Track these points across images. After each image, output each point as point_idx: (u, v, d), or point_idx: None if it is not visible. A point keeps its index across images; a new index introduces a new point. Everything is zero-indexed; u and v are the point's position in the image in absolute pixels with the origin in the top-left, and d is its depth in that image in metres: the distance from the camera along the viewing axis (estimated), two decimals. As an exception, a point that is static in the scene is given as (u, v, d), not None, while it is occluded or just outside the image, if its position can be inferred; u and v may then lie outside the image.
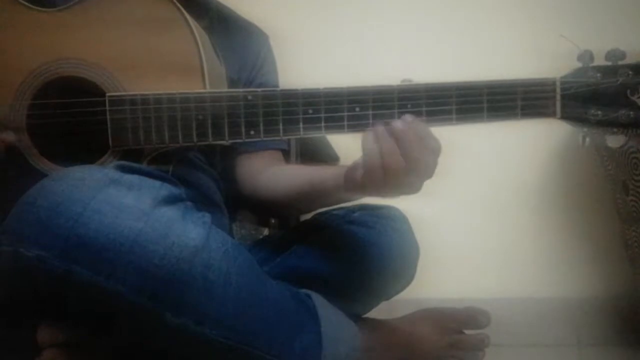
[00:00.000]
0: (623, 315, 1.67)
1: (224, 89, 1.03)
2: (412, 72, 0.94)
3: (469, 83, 0.92)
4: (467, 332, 1.29)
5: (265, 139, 0.94)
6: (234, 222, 1.35)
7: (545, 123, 0.93)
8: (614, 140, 0.93)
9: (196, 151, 1.15)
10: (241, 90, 0.95)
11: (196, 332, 0.85)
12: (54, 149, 0.98)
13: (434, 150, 0.89)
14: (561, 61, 0.93)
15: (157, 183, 0.88)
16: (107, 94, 0.95)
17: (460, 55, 1.69)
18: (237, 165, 1.27)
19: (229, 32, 1.26)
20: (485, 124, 0.92)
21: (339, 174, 0.96)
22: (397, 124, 0.88)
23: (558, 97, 0.92)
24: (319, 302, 1.01)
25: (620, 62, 0.90)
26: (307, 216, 1.24)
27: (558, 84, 0.92)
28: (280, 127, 0.93)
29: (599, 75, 0.91)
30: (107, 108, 0.94)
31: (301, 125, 0.93)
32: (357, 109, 0.92)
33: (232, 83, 1.14)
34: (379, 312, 1.23)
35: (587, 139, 0.93)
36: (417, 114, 0.91)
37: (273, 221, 1.39)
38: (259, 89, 0.95)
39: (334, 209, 1.19)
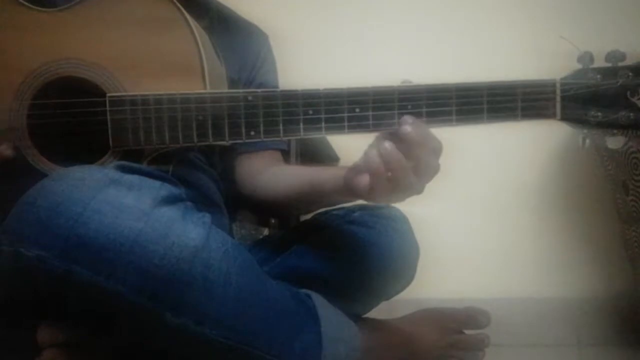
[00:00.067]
0: (623, 315, 1.67)
1: (224, 90, 1.03)
2: (412, 73, 0.94)
3: (469, 84, 0.92)
4: (467, 332, 1.29)
5: (265, 139, 0.94)
6: (234, 222, 1.35)
7: (545, 124, 0.93)
8: (614, 142, 0.93)
9: (196, 151, 1.15)
10: (241, 90, 0.95)
11: (196, 332, 0.85)
12: (54, 149, 0.98)
13: (436, 150, 0.90)
14: (561, 62, 0.93)
15: (157, 183, 0.88)
16: (108, 95, 0.95)
17: (460, 56, 1.69)
18: (237, 166, 1.27)
19: (229, 32, 1.26)
20: (485, 125, 0.92)
21: (339, 175, 0.96)
22: (406, 129, 0.88)
23: (558, 98, 0.92)
24: (319, 302, 1.01)
25: (620, 64, 0.90)
26: (307, 216, 1.24)
27: (558, 85, 0.92)
28: (281, 127, 0.93)
29: (599, 76, 0.91)
30: (108, 108, 0.94)
31: (301, 125, 0.93)
32: (357, 110, 0.92)
33: (232, 83, 1.14)
34: (379, 312, 1.23)
35: (587, 140, 0.93)
36: (417, 114, 0.91)
37: (273, 221, 1.39)
38: (259, 90, 0.95)
39: (334, 209, 1.19)
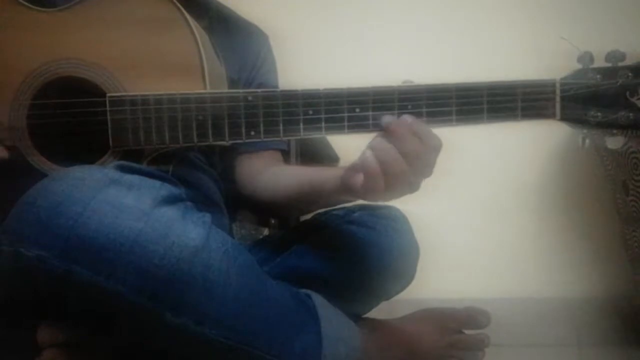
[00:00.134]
0: (623, 315, 1.67)
1: (224, 90, 1.03)
2: (412, 73, 0.94)
3: (469, 84, 0.92)
4: (467, 332, 1.29)
5: (265, 139, 0.94)
6: (234, 222, 1.35)
7: (545, 124, 0.93)
8: (614, 142, 0.92)
9: (196, 151, 1.15)
10: (241, 90, 0.95)
11: (196, 332, 0.85)
12: (54, 149, 0.98)
13: (435, 147, 0.90)
14: (561, 62, 0.93)
15: (157, 183, 0.88)
16: (108, 95, 0.95)
17: (460, 56, 1.69)
18: (237, 166, 1.27)
19: (229, 32, 1.26)
20: (485, 125, 0.92)
21: (339, 175, 0.96)
22: (390, 125, 0.88)
23: (558, 98, 0.92)
24: (319, 302, 1.01)
25: (620, 64, 0.90)
26: (307, 216, 1.24)
27: (558, 85, 0.92)
28: (281, 127, 0.93)
29: (598, 76, 0.91)
30: (108, 108, 0.94)
31: (301, 125, 0.93)
32: (358, 110, 0.92)
33: (232, 83, 1.14)
34: (379, 312, 1.23)
35: (587, 140, 0.93)
36: (417, 114, 0.91)
37: (273, 221, 1.39)
38: (259, 90, 0.95)
39: (334, 209, 1.19)
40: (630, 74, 0.89)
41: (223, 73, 1.09)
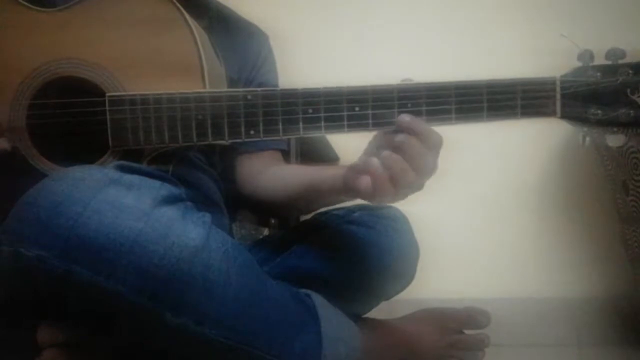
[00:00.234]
0: (623, 315, 1.67)
1: (223, 89, 1.03)
2: (412, 72, 0.94)
3: (468, 82, 0.91)
4: (467, 332, 1.29)
5: (265, 138, 0.94)
6: (234, 222, 1.35)
7: (545, 122, 0.93)
8: (614, 140, 0.92)
9: (196, 151, 1.15)
10: (241, 90, 0.95)
11: (196, 332, 0.84)
12: (54, 149, 0.97)
13: (436, 145, 0.89)
14: (561, 60, 0.92)
15: (157, 183, 0.87)
16: (107, 94, 0.95)
17: (460, 55, 1.69)
18: (237, 166, 1.27)
19: (229, 32, 1.26)
20: (485, 124, 0.92)
21: (339, 175, 0.96)
22: (400, 138, 0.88)
23: (558, 96, 0.92)
24: (319, 302, 1.01)
25: (620, 61, 0.90)
26: (307, 216, 1.24)
27: (558, 83, 0.92)
28: (280, 126, 0.93)
29: (599, 74, 0.90)
30: (107, 108, 0.94)
31: (301, 125, 0.93)
32: (357, 109, 0.92)
33: (232, 83, 1.14)
34: (379, 312, 1.23)
35: (587, 139, 0.92)
36: (417, 113, 0.91)
37: (273, 221, 1.39)
38: (259, 89, 0.95)
39: (334, 209, 1.19)
40: (630, 72, 0.89)
41: (223, 73, 1.09)
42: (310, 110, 0.92)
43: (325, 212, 1.20)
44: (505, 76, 0.92)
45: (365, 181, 0.89)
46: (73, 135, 0.96)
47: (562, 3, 1.66)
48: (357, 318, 1.15)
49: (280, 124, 0.93)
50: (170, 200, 0.86)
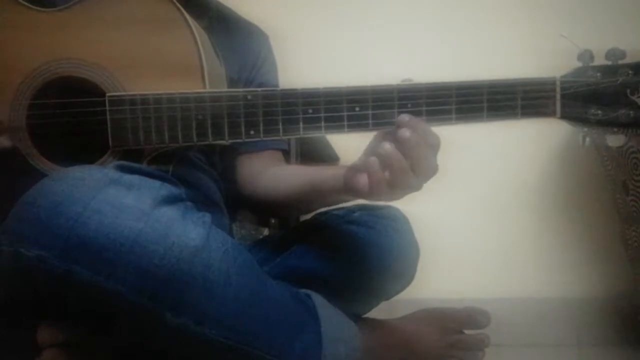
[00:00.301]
0: (623, 315, 1.67)
1: (223, 89, 1.03)
2: (412, 72, 0.94)
3: (469, 82, 0.91)
4: (467, 332, 1.29)
5: (265, 138, 0.94)
6: (234, 222, 1.35)
7: (545, 123, 0.93)
8: (614, 140, 0.92)
9: (196, 151, 1.15)
10: (241, 90, 0.95)
11: (196, 332, 0.84)
12: (54, 149, 0.97)
13: (434, 146, 0.90)
14: (561, 61, 0.93)
15: (157, 183, 0.87)
16: (107, 94, 0.95)
17: (460, 55, 1.69)
18: (237, 166, 1.27)
19: (229, 32, 1.26)
20: (485, 124, 0.92)
21: (339, 174, 0.96)
22: (405, 133, 0.88)
23: (558, 96, 0.92)
24: (319, 302, 1.01)
25: (620, 62, 0.90)
26: (307, 216, 1.24)
27: (558, 83, 0.92)
28: (280, 127, 0.93)
29: (599, 74, 0.90)
30: (107, 108, 0.94)
31: (301, 125, 0.93)
32: (357, 109, 0.92)
33: (232, 83, 1.14)
34: (379, 312, 1.23)
35: (587, 139, 0.92)
36: (417, 113, 0.91)
37: (273, 221, 1.39)
38: (259, 89, 0.95)
39: (334, 209, 1.19)
40: (630, 72, 0.89)
41: (223, 73, 1.09)
42: (310, 110, 0.92)
43: (325, 212, 1.20)
44: (505, 76, 0.92)
45: (363, 179, 0.89)
46: (73, 135, 0.96)
47: (562, 3, 1.66)
48: (357, 318, 1.15)
49: (280, 124, 0.93)
50: (170, 200, 0.86)
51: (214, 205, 1.17)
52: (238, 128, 0.94)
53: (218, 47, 1.07)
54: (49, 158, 0.97)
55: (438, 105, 0.91)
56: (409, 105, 0.91)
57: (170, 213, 0.84)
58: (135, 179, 0.86)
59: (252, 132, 0.94)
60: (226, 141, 0.95)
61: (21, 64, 0.97)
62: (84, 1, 0.98)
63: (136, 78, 0.96)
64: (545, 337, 1.70)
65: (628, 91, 0.89)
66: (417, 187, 0.91)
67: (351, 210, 1.19)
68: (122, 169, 0.88)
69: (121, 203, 0.82)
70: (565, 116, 0.92)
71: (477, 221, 1.74)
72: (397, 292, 1.22)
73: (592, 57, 0.91)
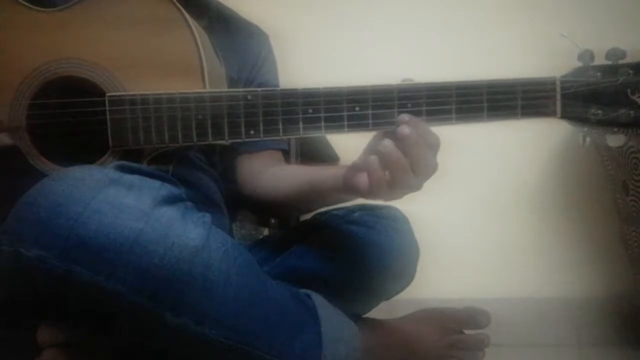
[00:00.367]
0: (623, 315, 1.67)
1: (223, 89, 1.03)
2: (412, 72, 0.94)
3: (469, 82, 0.91)
4: (467, 332, 1.29)
5: (265, 138, 0.94)
6: (234, 222, 1.35)
7: (545, 122, 0.93)
8: (615, 140, 0.92)
9: (196, 151, 1.15)
10: (241, 90, 0.95)
11: (196, 332, 0.84)
12: (54, 149, 0.97)
13: (433, 146, 0.90)
14: (561, 60, 0.92)
15: (157, 183, 0.87)
16: (107, 94, 0.95)
17: (460, 55, 1.69)
18: (237, 166, 1.27)
19: (229, 32, 1.26)
20: (485, 124, 0.92)
21: (339, 174, 0.96)
22: (404, 129, 0.88)
23: (558, 96, 0.92)
24: (319, 302, 1.01)
25: (620, 61, 0.90)
26: (307, 216, 1.24)
27: (558, 83, 0.92)
28: (280, 126, 0.93)
29: (599, 74, 0.90)
30: (107, 108, 0.94)
31: (301, 125, 0.93)
32: (357, 109, 0.92)
33: (232, 83, 1.14)
34: (379, 312, 1.24)
35: (588, 139, 0.92)
36: (417, 113, 0.91)
37: (273, 221, 1.39)
38: (259, 89, 0.95)
39: (334, 209, 1.19)
40: (631, 72, 0.89)
41: (223, 73, 1.09)
42: (310, 110, 0.92)
43: (325, 212, 1.20)
44: (505, 76, 0.92)
45: (362, 178, 0.89)
46: (73, 135, 0.96)
47: (562, 3, 1.66)
48: (357, 318, 1.15)
49: (280, 124, 0.93)
50: (170, 201, 0.86)
51: (214, 205, 1.17)
52: (238, 128, 0.94)
53: (218, 47, 1.07)
54: (49, 158, 0.98)
55: (438, 105, 0.91)
56: (409, 105, 0.91)
57: (170, 213, 0.84)
58: (135, 179, 0.86)
59: (252, 132, 0.94)
60: (226, 141, 0.95)
61: (21, 64, 0.97)
62: (84, 1, 0.98)
63: (136, 78, 0.96)
64: (545, 337, 1.70)
65: (628, 91, 0.89)
66: (417, 187, 0.91)
67: (351, 210, 1.19)
68: (122, 169, 0.88)
69: (121, 203, 0.82)
70: (565, 116, 0.92)
71: (477, 221, 1.74)
72: (397, 292, 1.22)
73: (592, 57, 0.91)
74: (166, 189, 0.87)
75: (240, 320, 0.88)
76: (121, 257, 0.80)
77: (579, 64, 0.92)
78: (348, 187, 0.94)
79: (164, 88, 0.94)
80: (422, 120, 0.91)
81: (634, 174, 1.45)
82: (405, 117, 0.90)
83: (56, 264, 0.80)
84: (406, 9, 1.73)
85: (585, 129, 0.92)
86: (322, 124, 0.92)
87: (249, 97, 0.93)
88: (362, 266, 1.12)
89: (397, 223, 1.19)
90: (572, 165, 1.72)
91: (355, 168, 0.92)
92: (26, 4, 0.98)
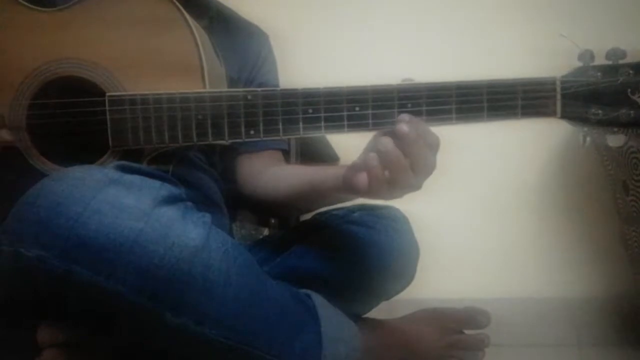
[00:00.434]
0: (623, 315, 1.67)
1: (223, 89, 1.03)
2: (412, 72, 0.94)
3: (469, 82, 0.91)
4: (467, 332, 1.29)
5: (265, 138, 0.94)
6: (234, 222, 1.35)
7: (545, 122, 0.93)
8: (615, 140, 0.92)
9: (196, 151, 1.15)
10: (241, 90, 0.95)
11: (196, 332, 0.84)
12: (54, 149, 0.98)
13: (433, 146, 0.89)
14: (561, 60, 0.92)
15: (157, 183, 0.87)
16: (107, 94, 0.95)
17: (460, 55, 1.69)
18: (237, 166, 1.27)
19: (229, 32, 1.26)
20: (485, 124, 0.92)
21: (339, 174, 0.96)
22: (403, 128, 0.88)
23: (558, 96, 0.92)
24: (319, 302, 1.01)
25: (620, 61, 0.90)
26: (307, 216, 1.24)
27: (558, 83, 0.92)
28: (280, 126, 0.93)
29: (599, 74, 0.90)
30: (107, 108, 0.94)
31: (301, 125, 0.93)
32: (357, 109, 0.92)
33: (232, 83, 1.14)
34: (379, 312, 1.24)
35: (588, 139, 0.92)
36: (417, 113, 0.91)
37: (273, 221, 1.39)
38: (259, 89, 0.95)
39: (334, 209, 1.19)
40: (631, 72, 0.89)
41: (223, 73, 1.09)
42: (310, 110, 0.92)
43: (325, 212, 1.20)
44: (505, 76, 0.92)
45: (362, 178, 0.89)
46: (73, 135, 0.96)
47: (562, 3, 1.66)
48: (357, 318, 1.15)
49: (280, 124, 0.93)
50: (170, 201, 0.86)
51: (214, 205, 1.17)
52: (238, 128, 0.94)
53: (218, 47, 1.07)
54: (49, 158, 0.98)
55: (438, 105, 0.91)
56: (409, 105, 0.91)
57: (170, 213, 0.84)
58: (135, 179, 0.86)
59: (252, 132, 0.94)
60: (226, 141, 0.95)
61: (21, 64, 0.97)
62: (83, 1, 0.98)
63: (136, 78, 0.96)
64: (545, 337, 1.69)
65: (628, 91, 0.89)
66: (417, 186, 0.91)
67: (351, 210, 1.19)
68: (122, 169, 0.88)
69: (121, 203, 0.82)
70: (565, 116, 0.92)
71: (477, 221, 1.74)
72: (397, 292, 1.22)
73: (592, 57, 0.91)
74: (166, 189, 0.87)
75: (240, 320, 0.88)
76: (121, 257, 0.80)
77: (579, 64, 0.92)
78: (348, 187, 0.94)
79: (164, 88, 0.94)
80: (422, 120, 0.91)
81: (634, 174, 1.45)
82: (405, 117, 0.90)
83: (56, 264, 0.80)
84: (406, 9, 1.73)
85: (585, 129, 0.92)
86: (322, 124, 0.92)
87: (249, 97, 0.93)
88: (362, 266, 1.12)
89: (397, 223, 1.19)
90: (572, 165, 1.72)
91: (355, 168, 0.92)
92: (26, 4, 0.99)
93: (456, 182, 1.58)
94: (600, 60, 0.91)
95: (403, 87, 0.92)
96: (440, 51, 1.71)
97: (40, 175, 0.89)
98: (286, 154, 1.33)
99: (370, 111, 0.92)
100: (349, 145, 0.97)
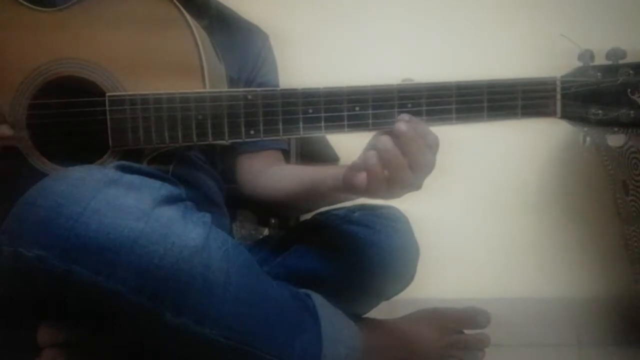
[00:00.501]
0: (623, 315, 1.67)
1: (223, 89, 1.03)
2: (412, 72, 0.94)
3: (469, 82, 0.92)
4: (467, 332, 1.29)
5: (265, 138, 0.94)
6: (234, 222, 1.35)
7: (545, 122, 0.93)
8: (615, 140, 0.93)
9: (196, 151, 1.15)
10: (241, 89, 0.95)
11: (196, 332, 0.84)
12: (54, 149, 0.98)
13: (432, 146, 0.90)
14: (562, 60, 0.92)
15: (157, 183, 0.88)
16: (107, 94, 0.95)
17: (460, 55, 1.69)
18: (237, 166, 1.27)
19: (229, 32, 1.26)
20: (485, 124, 0.92)
21: (339, 174, 0.96)
22: (401, 126, 0.88)
23: (558, 96, 0.92)
24: (319, 302, 1.01)
25: (620, 61, 0.90)
26: (307, 216, 1.24)
27: (558, 83, 0.92)
28: (280, 126, 0.93)
29: (599, 74, 0.90)
30: (107, 108, 0.94)
31: (301, 124, 0.93)
32: (357, 109, 0.92)
33: (232, 83, 1.14)
34: (379, 312, 1.23)
35: (588, 139, 0.92)
36: (417, 113, 0.91)
37: (273, 221, 1.39)
38: (259, 89, 0.95)
39: (334, 209, 1.19)
40: (631, 72, 0.89)
41: (223, 73, 1.09)
42: (310, 110, 0.92)
43: (325, 212, 1.20)
44: (505, 76, 0.92)
45: (362, 177, 0.89)
46: (73, 135, 0.96)
47: (562, 3, 1.66)
48: (357, 318, 1.15)
49: (280, 124, 0.93)
50: (170, 200, 0.86)
51: (214, 205, 1.17)
52: (238, 128, 0.94)
53: (218, 47, 1.07)
54: (49, 158, 0.98)
55: (438, 105, 0.91)
56: (409, 105, 0.91)
57: (170, 213, 0.84)
58: (135, 179, 0.86)
59: (252, 132, 0.94)
60: (226, 141, 0.95)
61: (21, 64, 0.97)
62: (84, 1, 0.98)
63: (136, 78, 0.96)
64: (545, 337, 1.69)
65: (628, 91, 0.89)
66: (416, 186, 0.91)
67: (351, 210, 1.19)
68: (122, 169, 0.88)
69: (121, 203, 0.82)
70: (565, 116, 0.92)
71: (477, 221, 1.73)
72: (397, 292, 1.22)
73: (592, 57, 0.91)
74: (166, 189, 0.87)
75: (240, 320, 0.88)
76: (121, 257, 0.80)
77: (579, 64, 0.92)
78: (347, 187, 0.94)
79: (164, 88, 0.94)
80: (422, 120, 0.91)
81: (634, 174, 1.45)
82: (405, 116, 0.90)
83: (56, 264, 0.80)
84: (406, 9, 1.73)
85: (585, 129, 0.92)
86: (322, 124, 0.93)
87: (249, 97, 0.93)
88: (362, 266, 1.12)
89: (397, 223, 1.19)
90: (572, 165, 1.72)
91: (354, 168, 0.92)
92: (26, 4, 0.99)
93: (456, 182, 1.58)
94: (600, 60, 0.91)
95: (403, 87, 0.92)
96: (440, 51, 1.71)
97: (40, 175, 0.89)
98: (286, 154, 1.33)
99: (370, 111, 0.92)
100: (349, 145, 0.97)
